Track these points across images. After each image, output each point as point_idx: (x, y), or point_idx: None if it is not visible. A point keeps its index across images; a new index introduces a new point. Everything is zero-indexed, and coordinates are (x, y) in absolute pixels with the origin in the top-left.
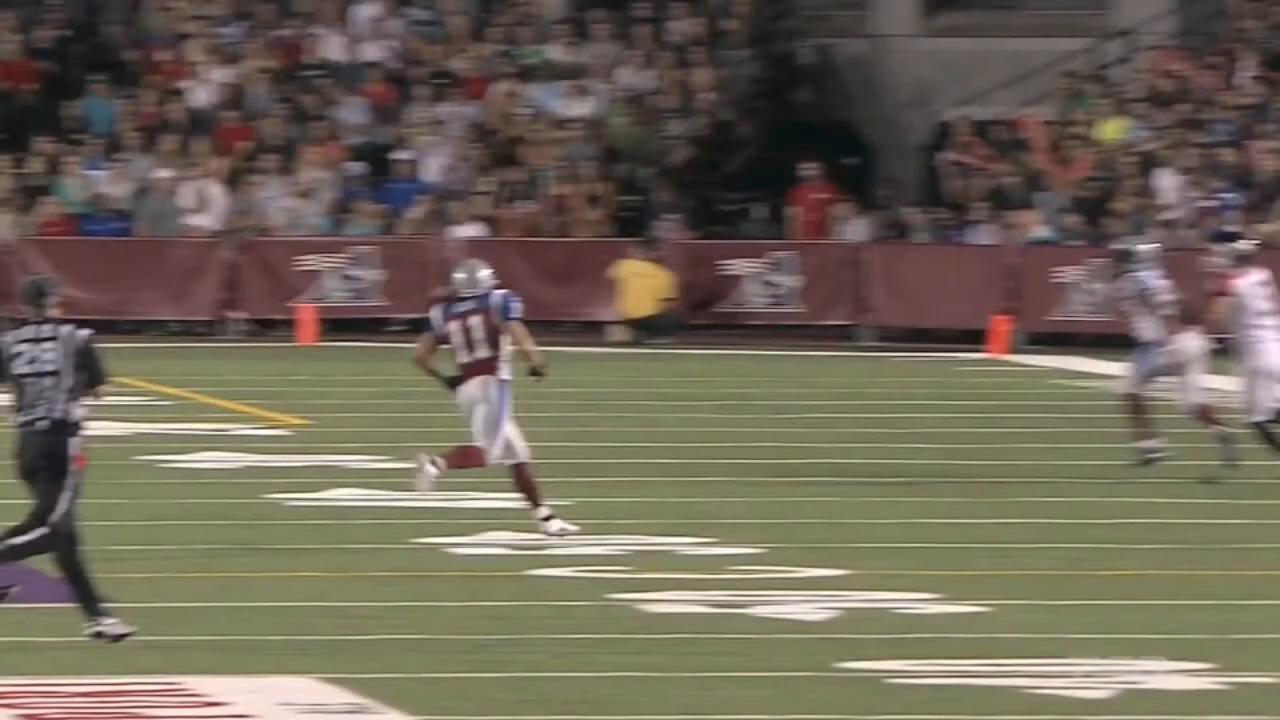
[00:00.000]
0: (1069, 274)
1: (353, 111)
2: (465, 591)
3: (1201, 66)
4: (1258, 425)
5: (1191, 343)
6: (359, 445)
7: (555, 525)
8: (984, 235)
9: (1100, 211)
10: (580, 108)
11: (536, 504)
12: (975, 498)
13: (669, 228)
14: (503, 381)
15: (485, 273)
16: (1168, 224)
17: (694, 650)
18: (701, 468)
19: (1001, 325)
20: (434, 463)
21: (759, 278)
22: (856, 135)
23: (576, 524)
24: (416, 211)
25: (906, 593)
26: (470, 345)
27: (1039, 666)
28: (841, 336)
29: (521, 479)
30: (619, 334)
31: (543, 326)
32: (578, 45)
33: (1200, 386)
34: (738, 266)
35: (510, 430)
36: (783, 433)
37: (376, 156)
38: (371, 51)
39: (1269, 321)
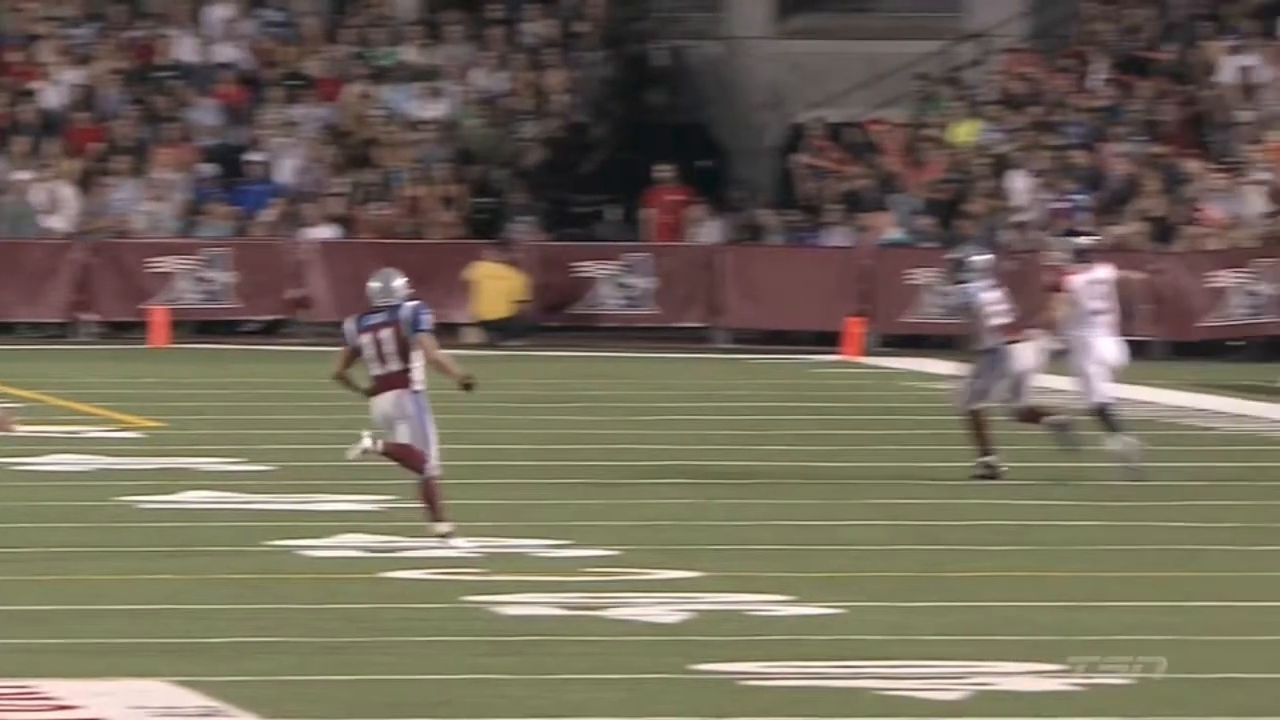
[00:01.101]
0: (922, 276)
1: (205, 113)
2: (318, 594)
3: (1054, 69)
4: (1097, 409)
5: (1024, 356)
6: (212, 447)
7: (454, 540)
8: (837, 237)
9: (953, 214)
10: (434, 109)
11: (438, 518)
12: (829, 499)
13: (523, 230)
14: (416, 393)
15: (399, 283)
16: (1019, 226)
17: (547, 652)
18: (555, 470)
19: (855, 327)
20: (375, 440)
21: (613, 280)
22: (710, 137)
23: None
24: (269, 213)
25: (761, 594)
26: (382, 358)
27: (893, 668)
28: (696, 338)
29: (429, 491)
30: (473, 336)
31: None
32: (431, 47)
33: (1030, 393)
34: (592, 268)
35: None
36: (637, 435)
37: (229, 158)
38: (224, 53)
39: (1103, 319)
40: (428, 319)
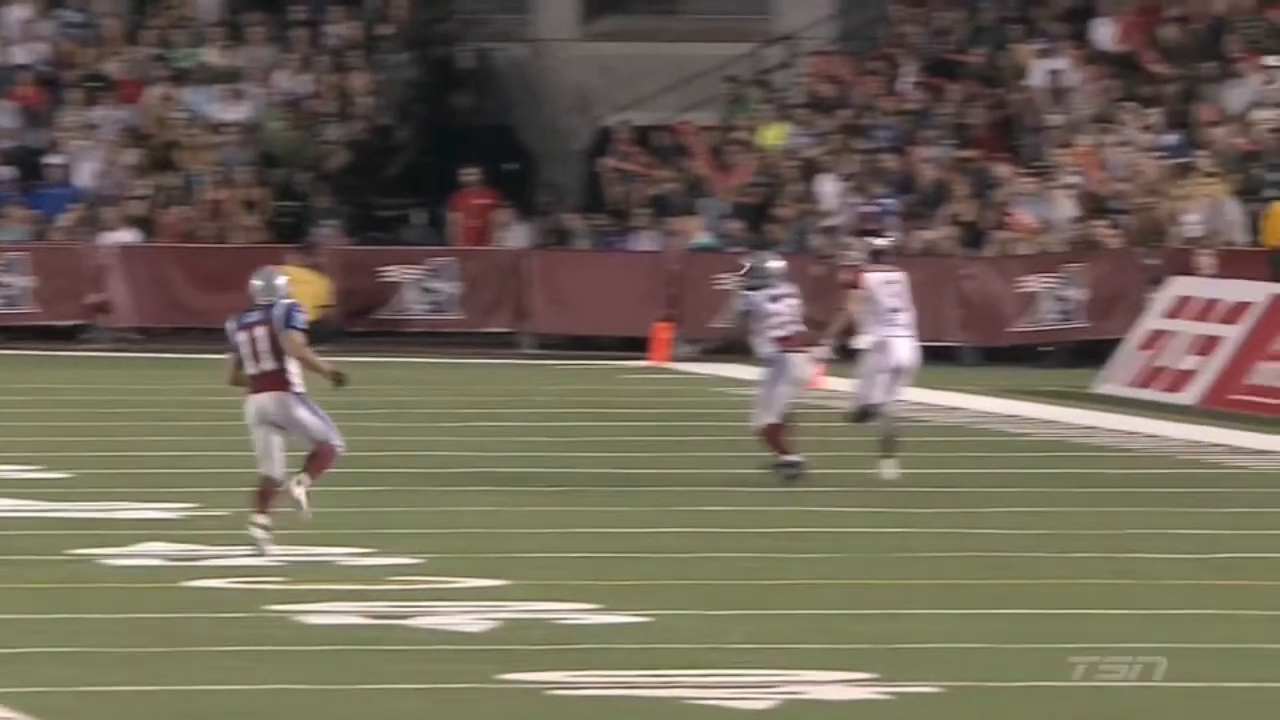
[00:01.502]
0: (730, 281)
1: (3, 115)
2: (120, 603)
3: (863, 72)
4: (862, 410)
5: (802, 367)
6: (11, 455)
7: (302, 497)
8: (646, 242)
9: (762, 218)
10: (236, 112)
11: (310, 474)
12: (638, 506)
13: (327, 234)
14: (299, 394)
15: (281, 281)
16: (829, 230)
17: (352, 662)
18: (360, 477)
19: (663, 333)
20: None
21: (418, 284)
22: (517, 140)
23: (235, 533)
24: (69, 217)
25: (568, 603)
26: (257, 356)
27: (701, 677)
28: (502, 344)
29: (323, 452)
30: None
31: (200, 334)
32: (233, 48)
33: (783, 403)
34: (397, 273)
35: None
36: (442, 441)
37: (28, 161)
38: (22, 54)
39: (899, 319)
40: (301, 317)
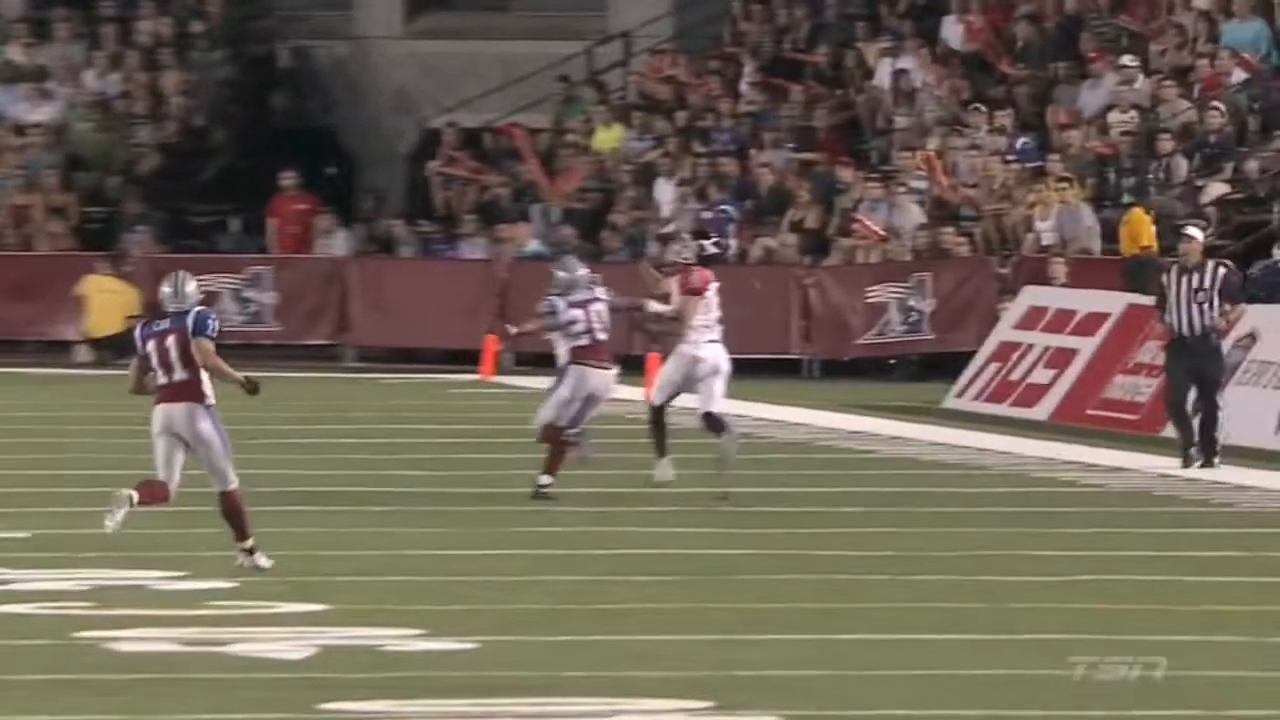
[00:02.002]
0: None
1: None
2: None
3: (701, 72)
4: (657, 409)
5: (598, 379)
6: None
7: (260, 559)
8: (473, 250)
9: (596, 225)
10: (42, 113)
11: (243, 535)
12: (464, 527)
13: (138, 241)
14: (209, 407)
15: (192, 287)
16: (666, 238)
17: (165, 692)
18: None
19: (492, 345)
20: (123, 505)
21: (234, 294)
22: (338, 143)
23: (40, 555)
24: None
25: (391, 628)
26: (167, 366)
27: (532, 706)
28: (323, 357)
29: (231, 505)
30: (84, 354)
31: (3, 347)
32: (38, 46)
33: (571, 414)
34: (211, 282)
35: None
36: (258, 459)
37: None
38: None
39: (713, 326)
40: (213, 324)
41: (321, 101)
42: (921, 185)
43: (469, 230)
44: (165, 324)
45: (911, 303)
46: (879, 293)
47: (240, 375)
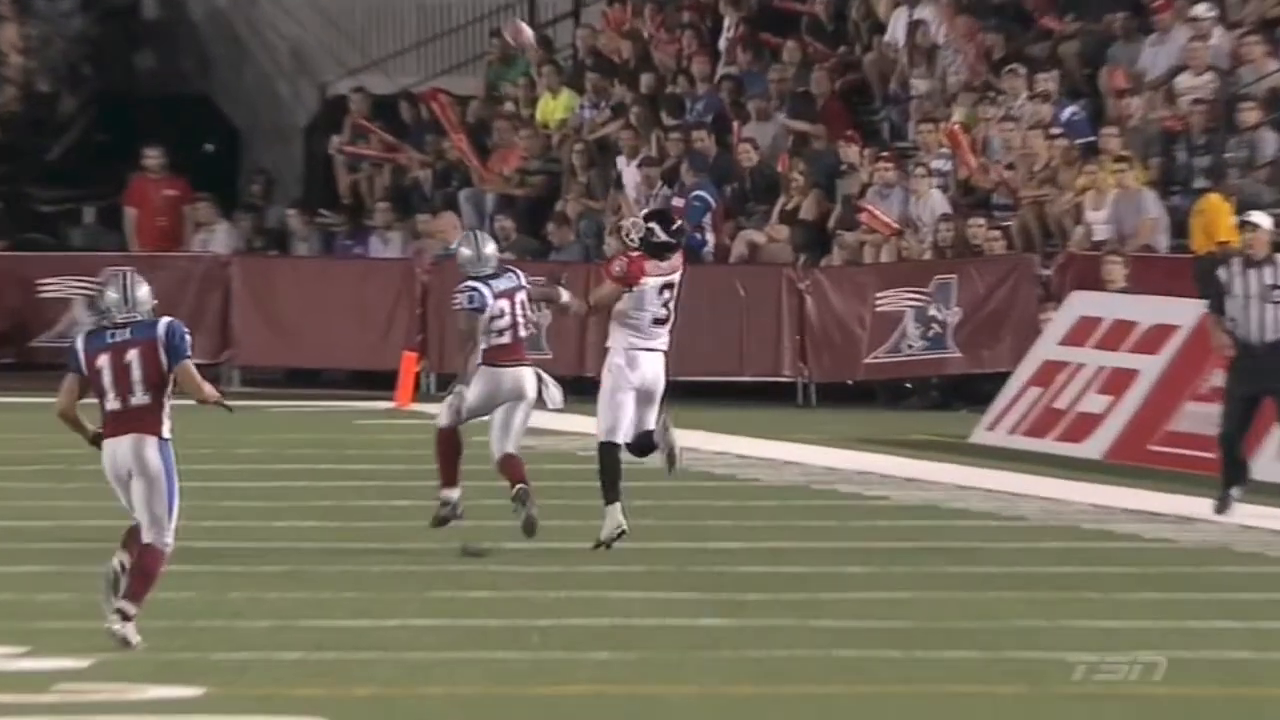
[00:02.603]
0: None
1: None
2: None
3: (672, 25)
4: (619, 446)
5: (526, 380)
6: None
7: (131, 633)
8: (388, 247)
9: (541, 215)
10: None
11: (136, 600)
12: (376, 591)
13: None
14: (164, 441)
15: (145, 291)
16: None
17: None
18: (7, 553)
19: (410, 365)
20: (124, 617)
21: (89, 302)
22: (218, 113)
23: None
24: None
25: (288, 716)
26: (124, 389)
27: None
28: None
29: (148, 565)
30: None
31: None
32: None
33: (518, 432)
34: (60, 286)
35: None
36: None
37: None
38: None
39: (659, 334)
40: (189, 341)
41: (197, 63)
42: (945, 166)
43: (382, 222)
44: (123, 335)
45: (932, 312)
46: (892, 300)
47: (215, 395)
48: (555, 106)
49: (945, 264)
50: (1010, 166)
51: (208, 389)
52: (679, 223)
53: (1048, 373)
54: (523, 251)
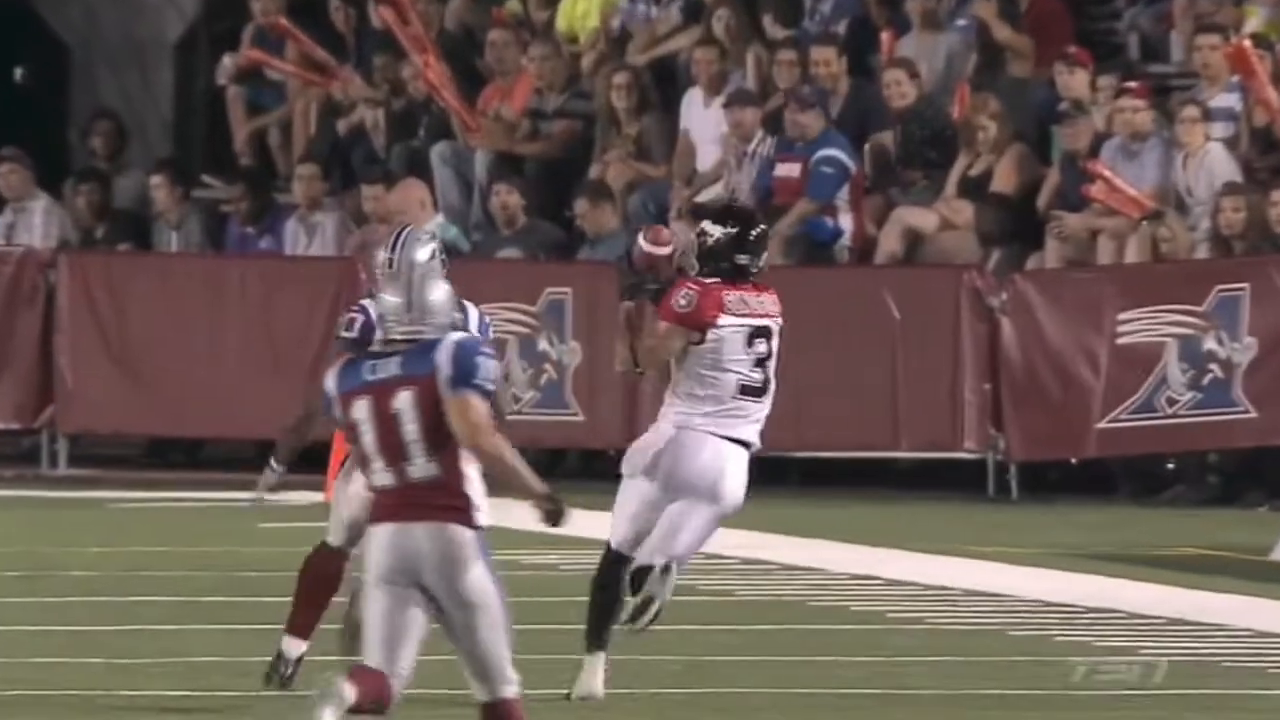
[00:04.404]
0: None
1: None
2: None
3: None
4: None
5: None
6: None
7: None
8: (313, 235)
9: (565, 184)
10: None
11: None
12: None
13: None
14: (480, 531)
15: (440, 295)
16: (700, 212)
17: None
18: None
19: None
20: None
21: None
22: (42, 28)
23: None
24: None
25: None
26: (389, 449)
27: None
28: (4, 457)
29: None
30: None
31: None
32: None
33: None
34: None
35: None
36: None
37: None
38: None
39: (750, 407)
40: (489, 366)
41: None
42: (1233, 104)
43: (304, 196)
44: (388, 366)
45: (1210, 345)
46: (1143, 325)
47: (540, 485)
48: (587, 6)
49: (1233, 265)
50: None
51: (523, 468)
52: (762, 227)
53: None
54: (535, 244)
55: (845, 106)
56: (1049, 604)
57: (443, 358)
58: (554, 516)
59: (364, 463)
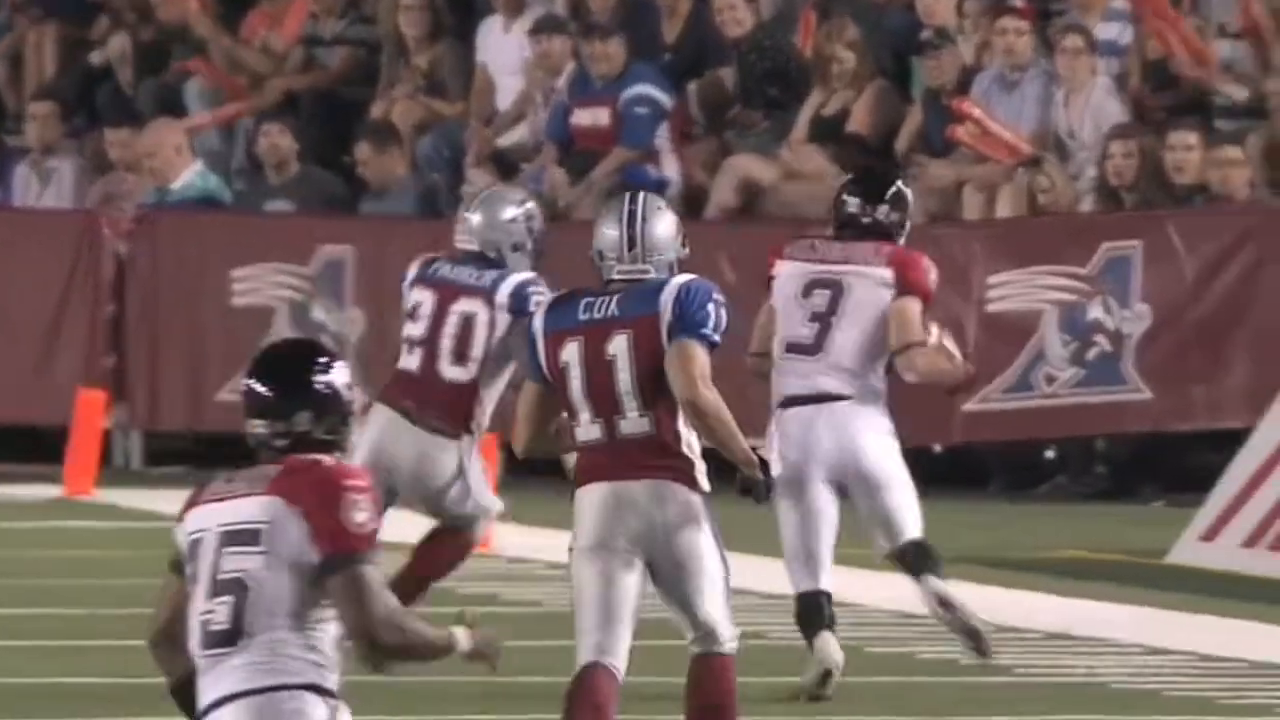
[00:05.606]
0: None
1: None
2: None
3: None
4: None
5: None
6: None
7: None
8: (45, 186)
9: (345, 124)
10: None
11: None
12: None
13: None
14: (703, 494)
15: (668, 223)
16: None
17: None
18: None
19: (92, 412)
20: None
21: None
22: None
23: None
24: None
25: None
26: (600, 400)
27: None
28: None
29: (722, 684)
30: None
31: None
32: None
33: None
34: None
35: None
36: None
37: None
38: None
39: (802, 366)
40: (720, 316)
41: None
42: (1121, 35)
43: (38, 141)
44: (610, 305)
45: (1095, 314)
46: (1017, 289)
47: (753, 454)
48: None
49: (1123, 220)
50: (1242, 35)
51: (738, 435)
52: (897, 187)
53: None
54: (306, 197)
55: (682, 35)
56: (908, 615)
57: (667, 300)
58: (756, 488)
59: (571, 412)
